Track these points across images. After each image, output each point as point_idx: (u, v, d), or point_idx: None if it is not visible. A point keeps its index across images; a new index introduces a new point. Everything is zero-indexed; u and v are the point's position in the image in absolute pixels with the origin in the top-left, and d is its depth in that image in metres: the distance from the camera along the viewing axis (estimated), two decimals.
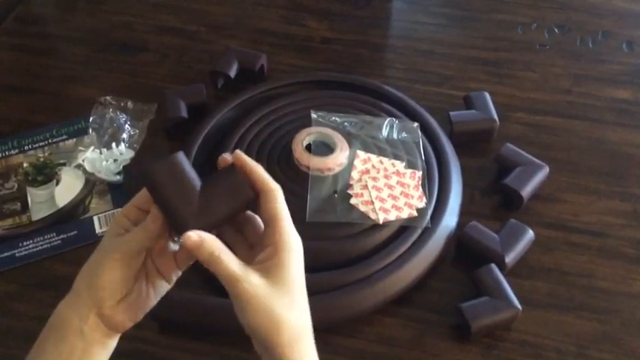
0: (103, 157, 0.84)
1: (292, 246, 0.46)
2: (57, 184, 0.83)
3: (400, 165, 0.79)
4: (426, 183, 0.77)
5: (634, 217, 0.79)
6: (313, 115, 0.83)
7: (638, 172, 0.84)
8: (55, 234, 0.77)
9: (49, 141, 0.88)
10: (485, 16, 1.09)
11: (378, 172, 0.78)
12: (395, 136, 0.82)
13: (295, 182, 0.77)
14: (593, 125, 0.90)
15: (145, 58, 1.01)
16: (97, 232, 0.78)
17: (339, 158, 0.77)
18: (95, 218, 0.79)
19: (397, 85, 0.93)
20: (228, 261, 0.45)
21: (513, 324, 0.68)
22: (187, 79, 0.97)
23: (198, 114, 0.88)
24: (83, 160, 0.84)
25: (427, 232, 0.73)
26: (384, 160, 0.79)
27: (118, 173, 0.82)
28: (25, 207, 0.80)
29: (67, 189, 0.82)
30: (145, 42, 1.04)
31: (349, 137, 0.81)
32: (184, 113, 0.88)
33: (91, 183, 0.82)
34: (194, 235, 0.45)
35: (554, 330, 0.68)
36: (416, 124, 0.84)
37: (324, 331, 0.68)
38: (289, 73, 0.98)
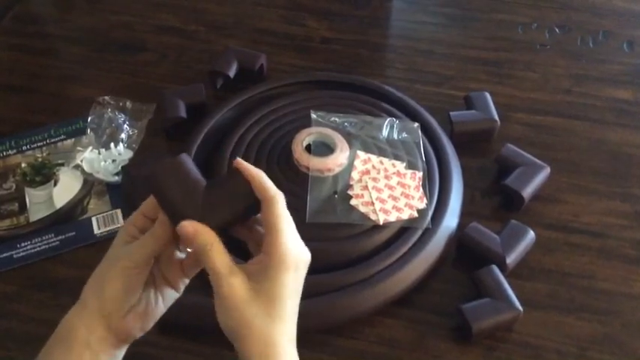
0: (102, 158, 0.84)
1: (287, 264, 0.45)
2: (55, 184, 0.82)
3: (400, 165, 0.79)
4: (427, 184, 0.77)
5: (634, 218, 0.78)
6: (313, 116, 0.83)
7: (639, 173, 0.84)
8: (53, 235, 0.77)
9: (47, 141, 0.88)
10: (486, 16, 1.08)
11: (379, 173, 0.77)
12: (395, 136, 0.82)
13: (295, 183, 0.76)
14: (593, 125, 0.90)
15: (143, 57, 1.01)
16: (95, 232, 0.77)
17: (339, 159, 0.77)
18: (93, 219, 0.78)
19: (397, 85, 0.92)
20: (216, 257, 0.45)
21: (514, 325, 0.68)
22: (186, 78, 0.96)
23: (198, 114, 0.88)
24: (81, 161, 0.84)
25: (428, 233, 0.72)
26: (385, 160, 0.79)
27: (117, 174, 0.82)
28: (23, 208, 0.80)
29: (65, 189, 0.81)
30: (143, 42, 1.04)
31: (349, 137, 0.80)
32: (183, 113, 0.87)
33: (90, 183, 0.82)
34: (189, 226, 0.45)
35: (554, 331, 0.68)
36: (416, 125, 0.84)
37: (324, 332, 0.68)
38: (289, 73, 0.97)
